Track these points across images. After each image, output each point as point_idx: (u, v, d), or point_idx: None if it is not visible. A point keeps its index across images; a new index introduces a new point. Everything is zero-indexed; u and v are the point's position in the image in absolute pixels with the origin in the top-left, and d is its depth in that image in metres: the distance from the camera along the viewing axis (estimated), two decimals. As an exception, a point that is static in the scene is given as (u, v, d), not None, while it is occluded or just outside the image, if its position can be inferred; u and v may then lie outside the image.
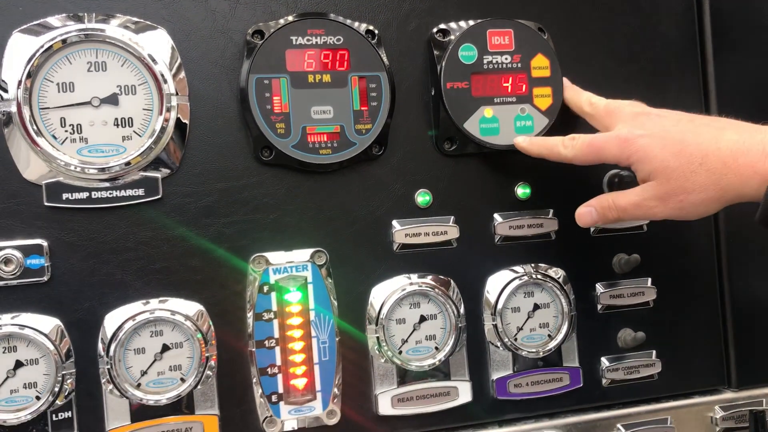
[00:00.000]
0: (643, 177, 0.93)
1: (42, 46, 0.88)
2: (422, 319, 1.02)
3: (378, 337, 0.99)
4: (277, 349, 0.96)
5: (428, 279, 1.02)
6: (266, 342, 0.96)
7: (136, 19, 0.93)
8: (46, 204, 0.90)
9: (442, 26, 1.04)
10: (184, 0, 0.95)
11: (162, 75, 0.92)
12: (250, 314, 0.95)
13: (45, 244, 0.90)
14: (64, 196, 0.90)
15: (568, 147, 0.98)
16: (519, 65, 1.04)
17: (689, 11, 1.15)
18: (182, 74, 0.94)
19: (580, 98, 1.05)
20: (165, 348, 0.92)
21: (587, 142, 0.96)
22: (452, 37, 1.03)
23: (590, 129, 1.03)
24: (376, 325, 0.99)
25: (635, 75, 1.12)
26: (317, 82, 0.97)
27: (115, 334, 0.91)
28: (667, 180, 0.90)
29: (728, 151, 0.87)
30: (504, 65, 1.03)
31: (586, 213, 0.98)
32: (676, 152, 0.89)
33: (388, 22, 1.02)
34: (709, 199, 0.89)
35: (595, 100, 1.03)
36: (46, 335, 0.89)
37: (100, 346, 0.91)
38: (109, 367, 0.90)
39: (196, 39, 0.96)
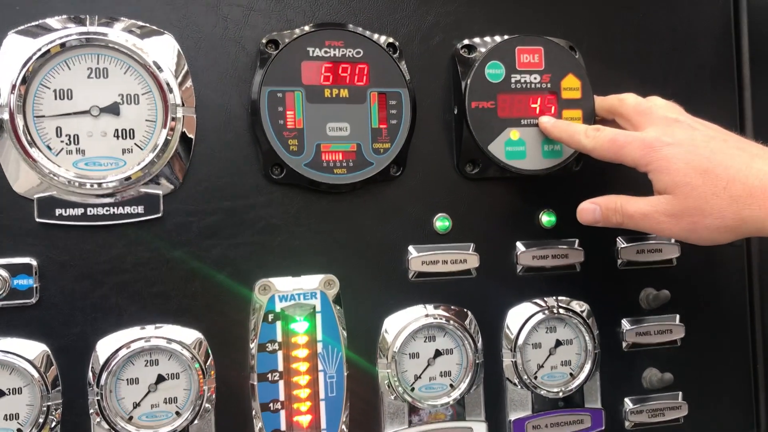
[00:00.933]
0: (659, 188, 0.86)
1: (39, 50, 0.81)
2: (437, 353, 0.95)
3: (389, 372, 0.93)
4: (281, 383, 0.89)
5: (445, 310, 0.95)
6: (269, 375, 0.89)
7: (141, 23, 0.87)
8: (37, 220, 0.83)
9: (468, 42, 0.97)
10: (193, 5, 0.89)
11: (167, 84, 0.85)
12: (253, 344, 0.89)
13: (34, 263, 0.83)
14: (57, 211, 0.83)
15: (590, 137, 0.91)
16: (549, 85, 0.97)
17: (726, 34, 1.09)
18: (189, 84, 0.87)
19: (608, 98, 0.99)
20: (160, 379, 0.86)
21: (610, 137, 0.89)
22: (478, 53, 0.96)
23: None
24: (388, 359, 0.93)
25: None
26: (334, 96, 0.91)
27: (107, 363, 0.84)
28: (685, 197, 0.83)
29: (757, 181, 0.80)
30: (533, 85, 0.97)
31: (589, 210, 0.91)
32: (701, 170, 0.82)
33: (411, 36, 0.96)
34: (725, 228, 0.82)
35: (624, 96, 0.96)
36: (30, 362, 0.82)
37: (90, 374, 0.84)
38: (99, 397, 0.83)
39: (206, 47, 0.89)
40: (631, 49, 1.04)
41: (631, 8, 1.05)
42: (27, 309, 0.83)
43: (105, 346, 0.85)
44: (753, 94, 1.09)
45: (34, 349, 0.82)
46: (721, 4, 1.08)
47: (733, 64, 1.09)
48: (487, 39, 0.98)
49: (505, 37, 0.97)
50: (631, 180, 1.02)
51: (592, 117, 0.99)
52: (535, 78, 0.97)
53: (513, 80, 0.96)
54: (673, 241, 1.04)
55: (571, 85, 0.98)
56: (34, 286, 0.83)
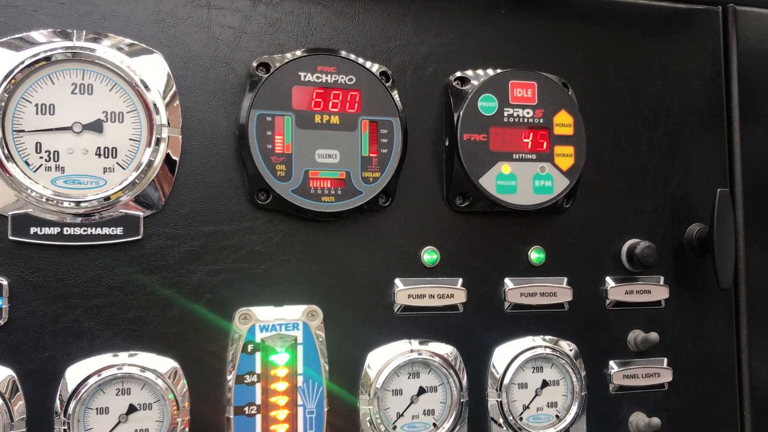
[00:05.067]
0: None
1: (23, 62, 0.79)
2: (421, 391, 0.92)
3: (371, 409, 0.89)
4: (258, 418, 0.85)
5: (430, 346, 0.93)
6: (246, 409, 0.85)
7: (130, 40, 0.85)
8: (10, 238, 0.79)
9: (461, 74, 0.96)
10: (184, 24, 0.87)
11: (154, 104, 0.83)
12: (230, 376, 0.85)
13: (5, 282, 0.79)
14: (32, 230, 0.80)
15: None
16: (541, 121, 0.96)
17: (717, 76, 1.09)
18: (176, 104, 0.85)
19: None
20: (131, 409, 0.82)
21: None
22: (471, 85, 0.95)
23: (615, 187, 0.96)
24: (370, 395, 0.89)
25: (660, 138, 1.05)
26: (324, 123, 0.89)
27: (76, 390, 0.80)
28: None
29: None
30: (525, 119, 0.96)
31: None
32: None
33: (404, 65, 0.95)
34: None
35: None
36: (-5, 387, 0.78)
37: (57, 402, 0.80)
38: (65, 428, 0.79)
39: (195, 67, 0.87)
40: (623, 89, 1.04)
41: (623, 48, 1.04)
42: (-6, 331, 0.79)
43: (75, 373, 0.81)
44: (742, 137, 1.09)
45: (-2, 373, 0.78)
46: (711, 47, 1.09)
47: (722, 107, 1.09)
48: (480, 72, 0.97)
49: (499, 70, 0.97)
50: (623, 219, 1.01)
51: (583, 152, 0.98)
52: (527, 112, 0.96)
53: (506, 114, 0.95)
54: (662, 282, 1.03)
55: (564, 122, 0.97)
56: (3, 306, 0.79)
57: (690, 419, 1.05)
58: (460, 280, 0.95)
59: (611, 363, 1.01)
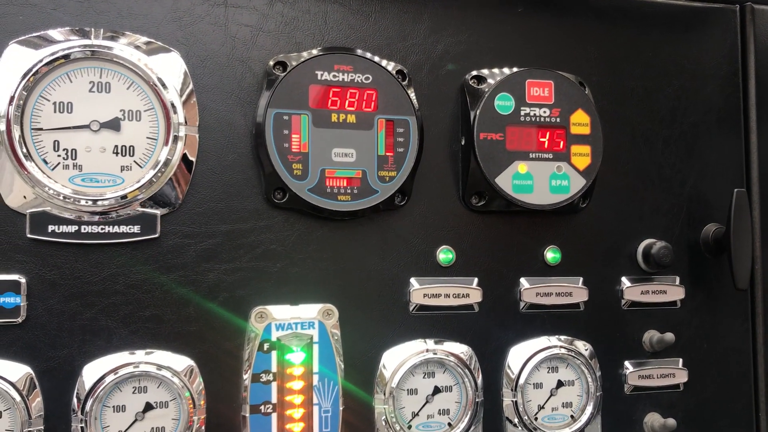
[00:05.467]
0: None
1: (41, 60, 0.79)
2: (436, 390, 0.92)
3: (386, 408, 0.89)
4: (274, 416, 0.85)
5: (445, 346, 0.92)
6: (262, 407, 0.85)
7: (147, 39, 0.85)
8: (28, 236, 0.80)
9: (477, 72, 0.96)
10: (201, 23, 0.87)
11: (171, 102, 0.83)
12: (246, 374, 0.85)
13: (23, 280, 0.79)
14: (50, 228, 0.80)
15: None
16: (558, 120, 0.96)
17: (734, 76, 1.08)
18: (193, 102, 0.85)
19: None
20: (148, 407, 0.82)
21: None
22: (488, 84, 0.95)
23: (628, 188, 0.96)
24: (386, 394, 0.89)
25: (676, 138, 1.04)
26: (341, 122, 0.89)
27: (93, 388, 0.80)
28: None
29: None
30: (542, 119, 0.95)
31: None
32: None
33: (420, 64, 0.95)
34: None
35: None
36: (13, 384, 0.78)
37: (75, 400, 0.80)
38: (82, 425, 0.79)
39: (212, 66, 0.87)
40: (640, 88, 1.03)
41: (639, 47, 1.04)
42: (12, 328, 0.79)
43: (92, 371, 0.81)
44: (759, 137, 1.08)
45: (17, 371, 0.79)
46: (729, 46, 1.08)
47: (739, 107, 1.09)
48: (496, 70, 0.97)
49: (515, 69, 0.96)
50: (639, 219, 1.01)
51: (600, 152, 0.97)
52: (544, 111, 0.96)
53: (522, 113, 0.95)
54: (678, 282, 1.02)
55: (581, 121, 0.97)
56: (21, 304, 0.79)
57: (705, 420, 1.04)
58: (476, 280, 0.95)
59: (626, 363, 1.01)
